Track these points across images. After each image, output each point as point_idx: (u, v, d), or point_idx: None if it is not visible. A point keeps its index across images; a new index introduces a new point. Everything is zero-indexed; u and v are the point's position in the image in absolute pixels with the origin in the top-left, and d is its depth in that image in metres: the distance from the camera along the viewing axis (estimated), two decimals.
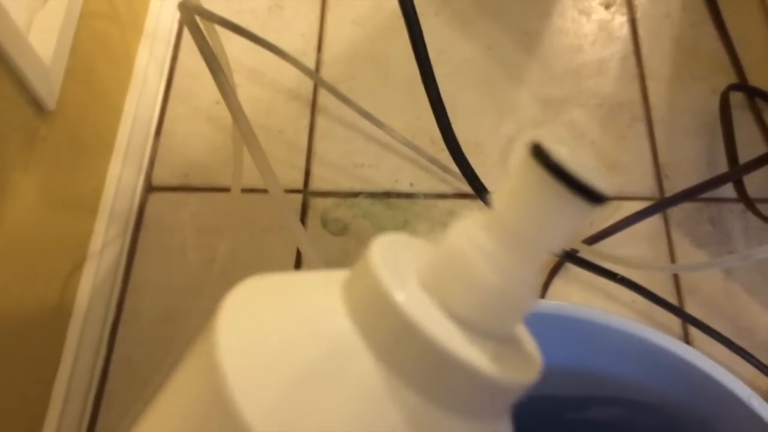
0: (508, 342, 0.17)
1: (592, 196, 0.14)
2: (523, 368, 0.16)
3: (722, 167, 0.72)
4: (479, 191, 0.46)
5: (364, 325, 0.15)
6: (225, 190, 0.69)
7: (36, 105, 0.52)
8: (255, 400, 0.15)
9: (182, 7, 0.39)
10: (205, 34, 0.41)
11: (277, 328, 0.16)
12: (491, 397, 0.16)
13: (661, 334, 0.36)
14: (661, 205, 0.67)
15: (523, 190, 0.15)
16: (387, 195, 0.70)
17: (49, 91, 0.53)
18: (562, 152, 0.14)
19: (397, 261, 0.16)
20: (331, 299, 0.16)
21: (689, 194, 0.63)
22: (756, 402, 0.33)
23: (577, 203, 0.14)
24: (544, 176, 0.14)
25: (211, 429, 0.15)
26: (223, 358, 0.15)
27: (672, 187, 0.71)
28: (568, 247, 0.64)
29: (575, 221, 0.15)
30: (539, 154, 0.14)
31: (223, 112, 0.72)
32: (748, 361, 0.62)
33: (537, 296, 0.16)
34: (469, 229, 0.16)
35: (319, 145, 0.72)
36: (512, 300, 0.16)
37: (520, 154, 0.15)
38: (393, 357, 0.15)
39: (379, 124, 0.70)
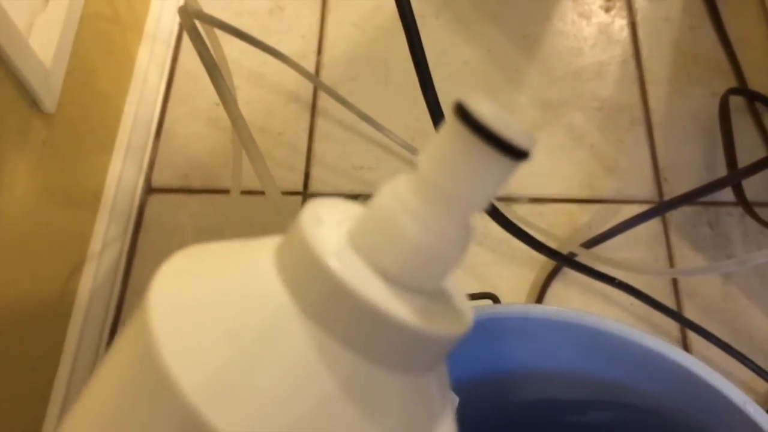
0: (438, 297, 0.17)
1: (513, 152, 0.14)
2: (451, 321, 0.17)
3: (721, 171, 0.72)
4: None
5: (295, 286, 0.16)
6: (225, 191, 0.70)
7: (36, 107, 0.52)
8: (190, 369, 0.15)
9: (182, 11, 0.39)
10: (205, 38, 0.41)
11: (210, 294, 0.16)
12: (421, 350, 0.16)
13: (657, 340, 0.36)
14: (660, 208, 0.68)
15: (446, 148, 0.15)
16: None
17: (49, 93, 0.53)
18: (484, 110, 0.14)
19: (327, 223, 0.17)
20: (264, 264, 0.17)
21: (688, 198, 0.63)
22: (751, 408, 0.33)
23: (498, 159, 0.14)
24: (465, 133, 0.14)
25: (147, 400, 0.15)
26: (156, 326, 0.15)
27: (671, 191, 0.71)
28: (566, 251, 0.64)
29: (498, 177, 0.15)
30: (462, 112, 0.14)
31: (223, 113, 0.72)
32: (746, 365, 0.62)
33: (463, 252, 0.16)
34: (396, 189, 0.16)
35: (318, 148, 0.72)
36: (438, 255, 0.16)
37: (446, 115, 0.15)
38: (324, 316, 0.15)
39: (378, 126, 0.70)
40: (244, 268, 0.17)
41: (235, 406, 0.14)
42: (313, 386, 0.15)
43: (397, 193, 0.16)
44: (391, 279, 0.16)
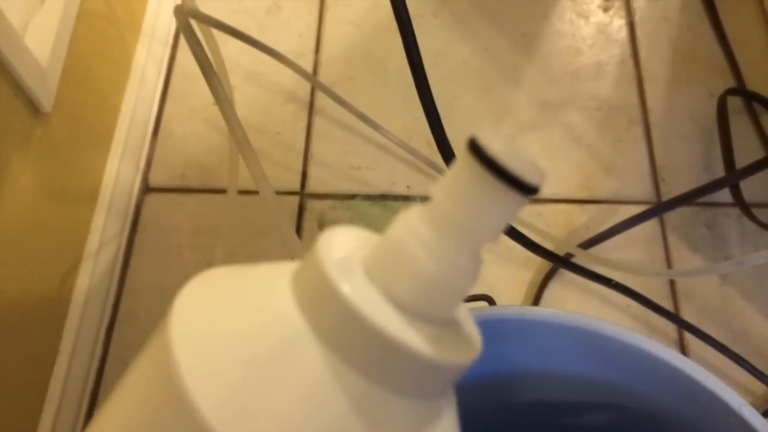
0: (448, 325, 0.18)
1: (524, 189, 0.15)
2: (460, 350, 0.17)
3: (719, 171, 0.72)
4: None
5: (311, 314, 0.16)
6: (222, 191, 0.69)
7: (32, 106, 0.52)
8: (208, 390, 0.15)
9: (177, 11, 0.39)
10: (201, 37, 0.41)
11: (229, 319, 0.17)
12: (431, 377, 0.17)
13: (654, 342, 0.36)
14: (657, 209, 0.68)
15: (459, 182, 0.16)
16: (383, 197, 0.70)
17: (45, 91, 0.53)
18: (497, 146, 0.15)
19: (343, 252, 0.17)
20: (281, 290, 0.17)
21: (686, 198, 0.63)
22: (747, 411, 0.33)
23: (510, 195, 0.15)
24: (478, 169, 0.15)
25: (166, 419, 0.16)
26: (176, 348, 0.16)
27: (668, 191, 0.71)
28: (563, 251, 0.64)
29: (509, 212, 0.16)
30: (474, 148, 0.15)
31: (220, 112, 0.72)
32: (743, 367, 0.62)
33: (474, 282, 0.17)
34: (410, 220, 0.17)
35: (316, 147, 0.72)
36: (449, 286, 0.17)
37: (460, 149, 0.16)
38: (339, 343, 0.16)
39: (376, 126, 0.70)
40: (262, 293, 0.18)
41: (250, 426, 0.15)
42: (326, 409, 0.16)
43: (410, 225, 0.17)
44: (404, 308, 0.16)
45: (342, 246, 0.17)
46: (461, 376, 0.18)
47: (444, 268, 0.16)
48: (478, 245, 0.16)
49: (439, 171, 0.70)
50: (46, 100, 0.53)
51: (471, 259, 0.17)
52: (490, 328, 0.37)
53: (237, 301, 0.17)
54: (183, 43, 0.78)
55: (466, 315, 0.19)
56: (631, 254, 0.68)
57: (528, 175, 0.15)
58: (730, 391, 0.34)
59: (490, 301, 0.54)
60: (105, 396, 0.61)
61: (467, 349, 0.18)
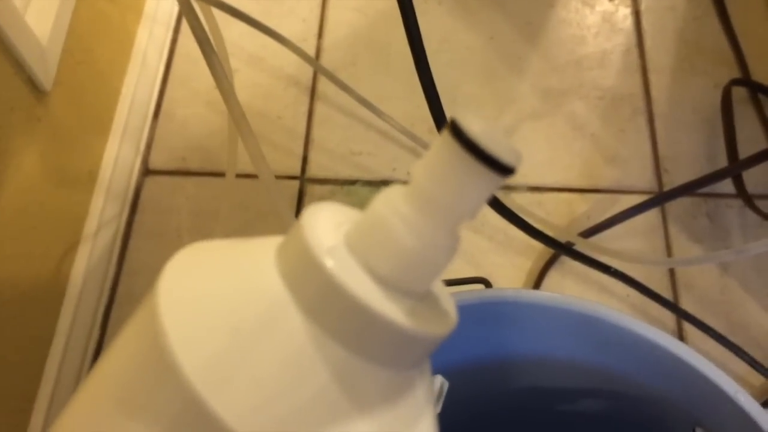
0: (425, 299, 0.18)
1: (500, 168, 0.16)
2: (436, 322, 0.18)
3: (722, 162, 0.72)
4: None
5: (294, 285, 0.17)
6: (222, 174, 0.69)
7: (32, 85, 0.52)
8: (193, 354, 0.16)
9: None
10: (201, 17, 0.40)
11: (215, 288, 0.18)
12: (408, 348, 0.17)
13: (651, 328, 0.36)
14: (659, 199, 0.67)
15: (439, 161, 0.16)
16: (384, 183, 0.69)
17: (45, 70, 0.52)
18: (475, 128, 0.15)
19: (326, 226, 0.18)
20: (266, 262, 0.18)
21: (688, 189, 0.62)
22: (742, 397, 0.33)
23: (486, 174, 0.16)
24: (458, 150, 0.16)
25: (151, 381, 0.16)
26: (164, 314, 0.16)
27: (671, 181, 0.71)
28: (564, 239, 0.63)
29: (486, 190, 0.16)
30: (455, 129, 0.16)
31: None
32: (741, 358, 0.61)
33: (451, 258, 0.18)
34: (391, 197, 0.17)
35: (317, 132, 0.72)
36: (427, 260, 0.17)
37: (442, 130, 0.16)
38: (320, 314, 0.16)
39: (378, 112, 0.70)
40: (247, 264, 0.18)
41: (231, 389, 0.16)
42: (305, 376, 0.16)
43: (391, 201, 0.17)
44: (383, 281, 0.17)
45: (325, 221, 0.18)
46: (436, 348, 0.18)
47: (422, 244, 0.17)
48: (456, 222, 0.17)
49: None
50: (46, 79, 0.53)
51: (449, 235, 0.17)
52: (486, 311, 0.37)
53: (223, 272, 0.18)
54: (185, 26, 0.77)
55: (443, 291, 0.20)
56: (631, 244, 0.68)
57: (505, 156, 0.15)
58: (725, 377, 0.34)
59: (487, 284, 0.54)
60: None
61: (443, 322, 0.18)
